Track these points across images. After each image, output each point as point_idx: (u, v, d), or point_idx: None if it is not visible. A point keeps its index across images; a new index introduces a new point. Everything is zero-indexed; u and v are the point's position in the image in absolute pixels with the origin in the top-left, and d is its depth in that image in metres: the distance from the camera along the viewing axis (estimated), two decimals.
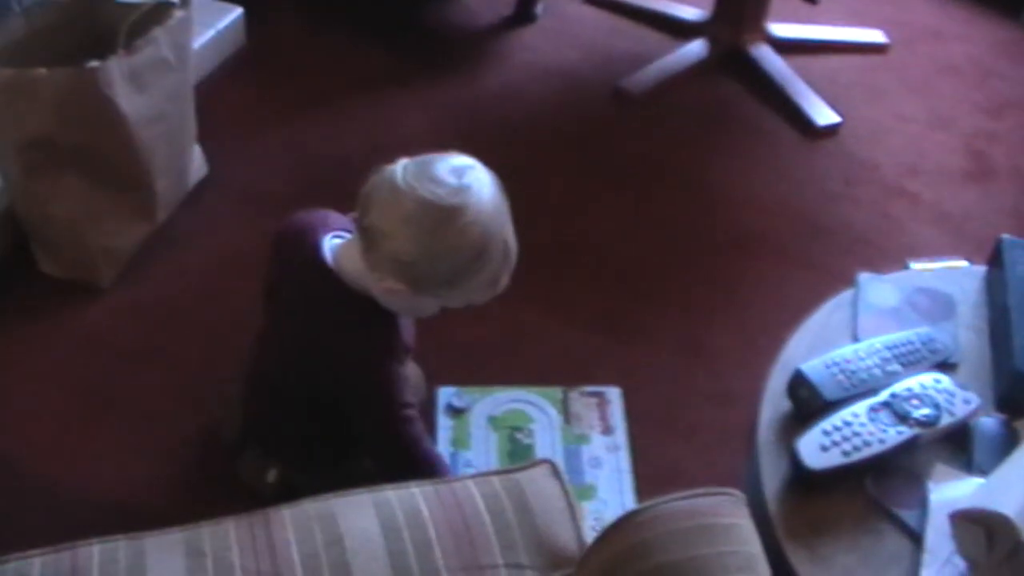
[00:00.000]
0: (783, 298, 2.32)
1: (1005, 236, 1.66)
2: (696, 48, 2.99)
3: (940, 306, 1.61)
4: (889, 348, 1.50)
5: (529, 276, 2.34)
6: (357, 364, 1.58)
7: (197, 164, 2.43)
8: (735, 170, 2.73)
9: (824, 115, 2.83)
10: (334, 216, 1.69)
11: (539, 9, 3.09)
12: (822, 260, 2.47)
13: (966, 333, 1.59)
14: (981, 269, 1.70)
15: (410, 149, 2.65)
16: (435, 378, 2.06)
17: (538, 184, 2.61)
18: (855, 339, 1.55)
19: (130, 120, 2.06)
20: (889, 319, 1.58)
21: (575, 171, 2.68)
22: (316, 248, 1.60)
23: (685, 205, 2.61)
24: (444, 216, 1.45)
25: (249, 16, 2.88)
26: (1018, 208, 2.70)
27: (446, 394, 2.05)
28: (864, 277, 1.64)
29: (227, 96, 2.73)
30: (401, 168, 1.49)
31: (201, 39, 2.65)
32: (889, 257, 2.35)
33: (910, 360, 1.49)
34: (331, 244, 1.63)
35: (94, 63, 1.96)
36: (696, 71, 2.96)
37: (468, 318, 2.22)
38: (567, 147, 2.74)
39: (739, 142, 2.84)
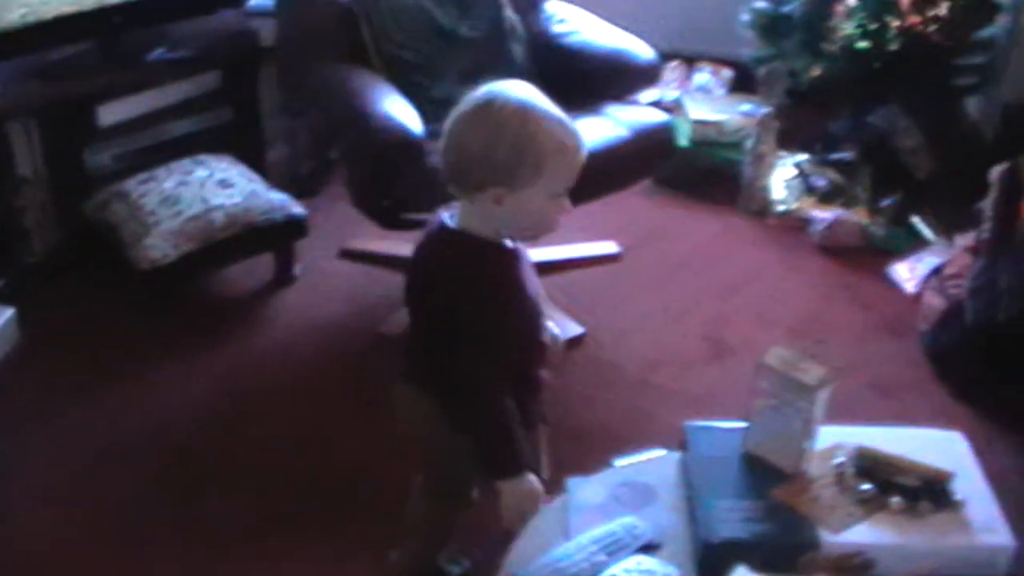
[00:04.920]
0: None
1: (688, 423, 1.89)
2: None
3: (640, 495, 1.80)
4: (595, 541, 1.66)
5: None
6: (470, 295, 1.83)
7: None
8: None
9: (569, 329, 3.03)
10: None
11: (297, 270, 3.30)
12: (582, 462, 2.64)
13: (668, 514, 1.76)
14: (678, 455, 1.91)
15: (186, 419, 2.73)
16: None
17: (314, 432, 2.76)
18: (568, 538, 1.72)
19: None
20: (597, 515, 1.75)
21: (346, 416, 2.81)
22: (440, 222, 1.89)
23: None
24: (479, 110, 1.77)
25: (20, 313, 3.00)
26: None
27: None
28: (572, 481, 1.84)
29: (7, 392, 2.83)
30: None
31: None
32: (645, 448, 2.53)
33: (615, 548, 1.65)
34: (450, 215, 1.89)
35: None
36: None
37: None
38: (341, 396, 2.89)
39: None
